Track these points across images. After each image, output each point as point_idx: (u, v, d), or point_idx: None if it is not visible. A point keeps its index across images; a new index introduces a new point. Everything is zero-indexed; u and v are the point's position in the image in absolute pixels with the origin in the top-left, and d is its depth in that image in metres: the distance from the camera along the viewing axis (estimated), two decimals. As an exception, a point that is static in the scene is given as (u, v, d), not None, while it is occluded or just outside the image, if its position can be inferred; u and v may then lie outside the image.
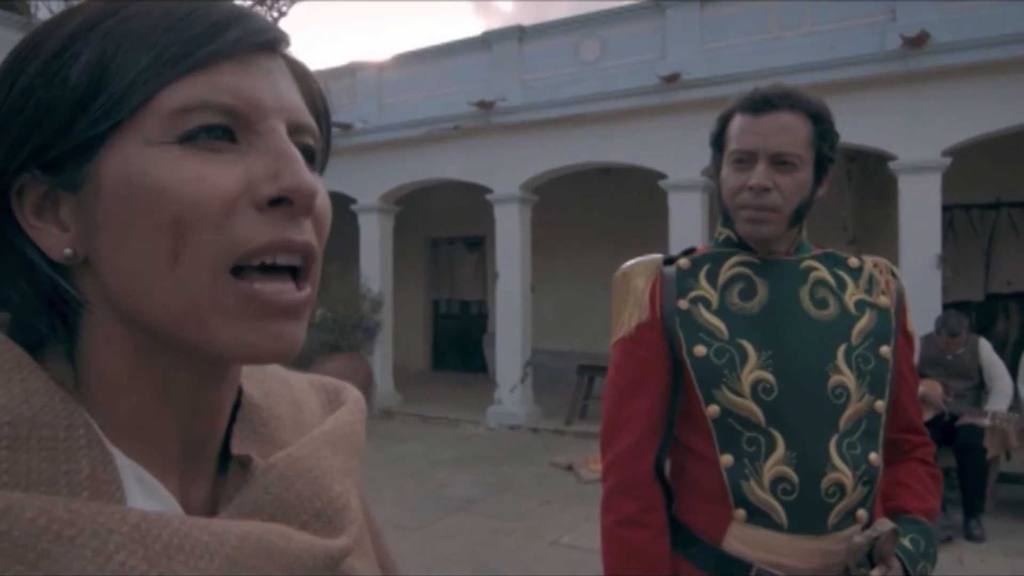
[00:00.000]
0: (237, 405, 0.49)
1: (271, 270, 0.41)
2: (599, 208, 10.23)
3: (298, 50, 0.47)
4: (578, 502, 5.56)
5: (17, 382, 0.38)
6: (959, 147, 6.38)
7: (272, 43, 0.44)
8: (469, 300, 12.51)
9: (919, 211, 6.44)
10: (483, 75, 8.64)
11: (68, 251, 0.41)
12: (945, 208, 6.86)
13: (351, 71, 9.72)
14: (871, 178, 8.32)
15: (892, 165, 6.57)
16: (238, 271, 0.40)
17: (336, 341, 8.86)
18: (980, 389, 5.19)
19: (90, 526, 0.34)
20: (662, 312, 1.27)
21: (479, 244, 12.07)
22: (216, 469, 0.48)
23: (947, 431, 4.98)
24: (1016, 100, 6.07)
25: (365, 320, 9.13)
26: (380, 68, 9.69)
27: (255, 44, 0.42)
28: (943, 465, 4.99)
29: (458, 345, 12.47)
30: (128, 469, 0.41)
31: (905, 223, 6.51)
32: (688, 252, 1.36)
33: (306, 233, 0.42)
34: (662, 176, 7.68)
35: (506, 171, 8.49)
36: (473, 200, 9.38)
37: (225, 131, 0.40)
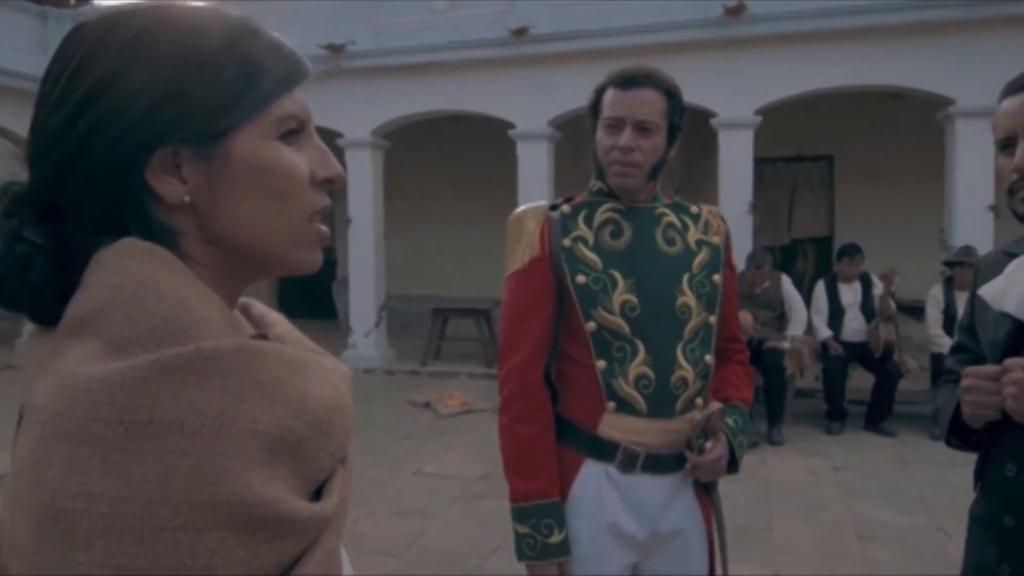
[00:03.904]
0: None
1: None
2: (449, 156, 10.37)
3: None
4: (436, 435, 5.90)
5: (199, 283, 0.57)
6: (769, 107, 7.19)
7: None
8: (317, 246, 12.30)
9: (735, 163, 7.21)
10: (332, 17, 8.44)
11: (187, 198, 0.57)
12: (758, 161, 7.69)
13: (185, 4, 9.12)
14: (696, 133, 9.07)
15: (713, 121, 7.28)
16: None
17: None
18: (782, 318, 6.05)
19: (307, 356, 0.59)
20: (550, 249, 1.57)
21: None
22: None
23: (755, 354, 5.77)
24: (818, 66, 6.95)
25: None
26: (220, 3, 9.16)
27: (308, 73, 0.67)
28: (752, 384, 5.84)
29: (305, 292, 12.22)
30: None
31: (723, 174, 7.28)
32: (568, 200, 1.66)
33: None
34: (511, 125, 7.94)
35: (357, 116, 8.43)
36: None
37: (294, 131, 0.62)
